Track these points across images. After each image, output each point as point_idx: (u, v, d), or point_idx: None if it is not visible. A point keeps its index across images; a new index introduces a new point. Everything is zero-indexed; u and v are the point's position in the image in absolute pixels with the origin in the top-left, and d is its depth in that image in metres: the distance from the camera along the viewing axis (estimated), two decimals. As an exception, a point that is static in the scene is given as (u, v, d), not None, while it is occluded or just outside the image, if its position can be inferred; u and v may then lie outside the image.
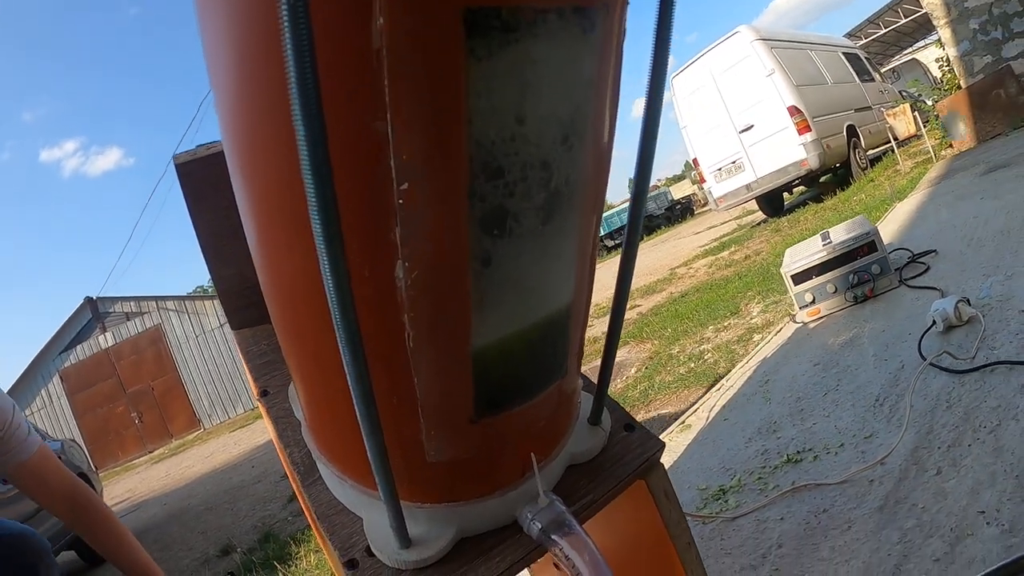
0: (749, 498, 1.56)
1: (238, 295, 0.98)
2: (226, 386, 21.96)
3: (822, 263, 2.78)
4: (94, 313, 22.37)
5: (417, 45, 0.41)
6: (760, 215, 11.42)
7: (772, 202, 10.90)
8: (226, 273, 0.94)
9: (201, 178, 0.83)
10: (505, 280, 0.54)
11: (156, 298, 22.64)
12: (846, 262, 2.75)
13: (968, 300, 2.02)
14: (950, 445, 1.37)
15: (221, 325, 21.96)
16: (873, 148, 10.85)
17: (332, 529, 0.74)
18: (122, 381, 22.25)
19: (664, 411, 2.97)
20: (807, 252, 2.91)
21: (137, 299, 22.65)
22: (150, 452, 21.31)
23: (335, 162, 0.40)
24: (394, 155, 0.44)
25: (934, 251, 2.97)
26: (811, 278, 2.81)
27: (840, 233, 2.96)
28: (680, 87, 10.36)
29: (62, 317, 25.19)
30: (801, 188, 11.53)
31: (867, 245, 2.72)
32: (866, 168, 10.02)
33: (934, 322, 1.99)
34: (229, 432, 16.49)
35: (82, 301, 22.36)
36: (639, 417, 3.10)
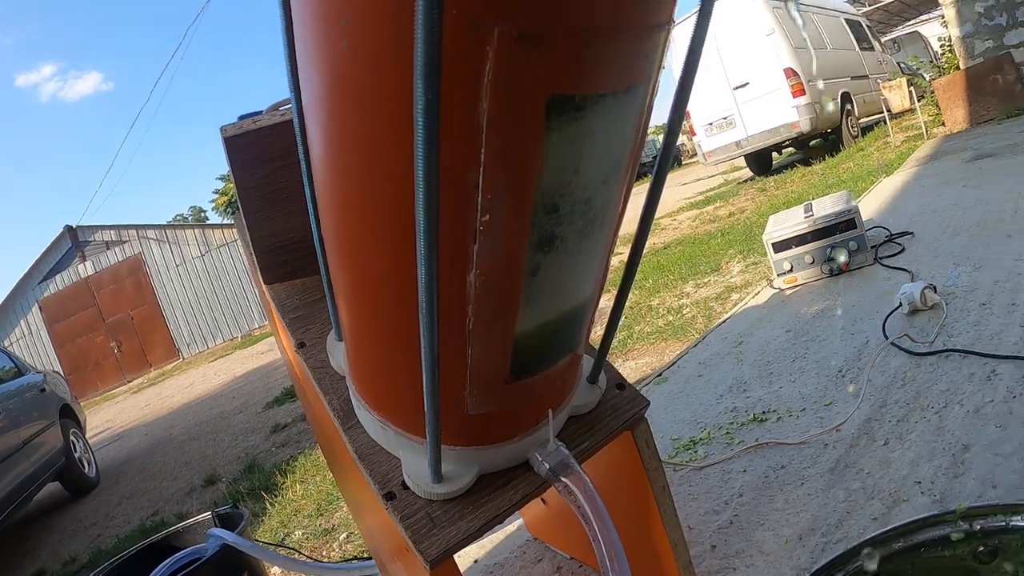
0: (716, 450, 1.71)
1: (273, 253, 1.09)
2: (206, 316, 21.84)
3: (802, 234, 2.90)
4: (74, 242, 22.00)
5: (509, 122, 0.53)
6: (747, 172, 11.49)
7: (760, 161, 10.97)
8: (264, 233, 1.05)
9: (248, 150, 0.93)
10: (546, 285, 0.68)
11: (136, 227, 22.22)
12: (826, 235, 2.87)
13: (935, 287, 2.15)
14: (899, 420, 1.52)
15: (202, 255, 21.78)
16: (866, 117, 10.92)
17: (371, 467, 0.88)
18: (101, 311, 22.02)
19: (641, 360, 3.11)
20: (789, 222, 3.02)
21: (117, 227, 22.24)
22: (129, 382, 21.24)
23: (441, 196, 0.53)
24: (481, 196, 0.57)
25: (911, 233, 3.10)
26: (791, 247, 2.93)
27: (823, 207, 3.08)
28: (679, 37, 10.30)
29: (41, 246, 24.79)
30: (791, 149, 11.59)
31: (847, 222, 2.84)
32: (857, 137, 10.08)
33: (900, 304, 2.12)
34: (208, 362, 16.53)
35: (62, 230, 21.95)
36: (617, 364, 3.25)
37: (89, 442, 6.41)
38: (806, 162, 9.66)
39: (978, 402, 1.46)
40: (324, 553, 2.41)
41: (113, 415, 12.50)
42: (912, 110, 8.63)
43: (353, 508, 1.46)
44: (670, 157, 0.75)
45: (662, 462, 1.69)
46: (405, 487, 0.85)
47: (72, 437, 5.80)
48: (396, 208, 0.58)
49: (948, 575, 0.64)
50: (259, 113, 0.92)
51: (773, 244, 2.97)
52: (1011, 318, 1.81)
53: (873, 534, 0.65)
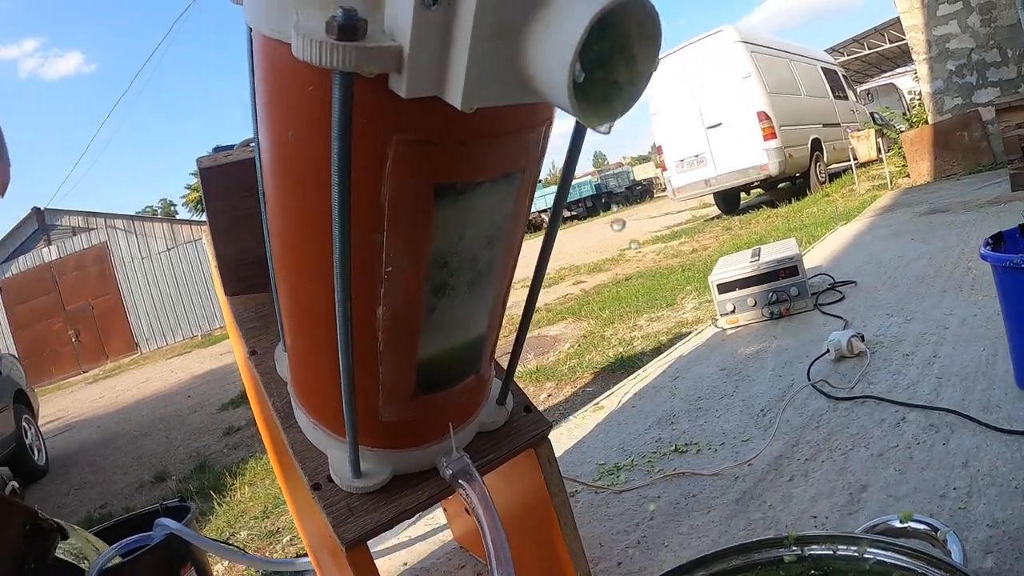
0: (637, 476, 1.84)
1: (235, 269, 1.22)
2: (167, 312, 21.54)
3: (746, 277, 3.06)
4: (40, 224, 21.60)
5: (407, 201, 0.68)
6: (715, 210, 11.77)
7: (728, 200, 11.25)
8: (227, 252, 1.19)
9: (219, 180, 1.08)
10: (442, 322, 0.85)
11: (105, 215, 21.92)
12: (768, 280, 3.03)
13: (862, 336, 2.30)
14: (807, 458, 1.65)
15: (168, 249, 21.55)
16: (836, 163, 11.26)
17: (303, 461, 1.03)
18: (62, 297, 21.63)
19: (589, 388, 3.24)
20: (736, 264, 3.19)
21: (85, 214, 21.91)
22: (84, 372, 20.85)
23: (353, 251, 0.68)
24: (385, 253, 0.72)
25: (854, 282, 3.27)
26: (735, 290, 3.09)
27: (769, 252, 3.24)
28: (656, 74, 10.53)
29: (5, 226, 24.25)
30: (759, 191, 11.90)
31: (789, 268, 3.01)
32: (824, 183, 10.39)
33: (828, 350, 2.27)
34: (166, 359, 16.31)
35: (29, 211, 21.58)
36: (566, 390, 3.40)
37: (41, 430, 6.35)
38: (772, 204, 9.95)
39: (883, 446, 1.58)
40: (267, 553, 2.48)
41: (66, 405, 12.29)
42: (879, 160, 8.93)
43: (294, 509, 1.56)
44: (558, 225, 0.92)
45: (584, 484, 1.82)
46: (330, 480, 1.00)
47: (24, 423, 5.74)
48: (321, 255, 0.72)
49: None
50: (231, 147, 1.06)
51: (718, 285, 3.13)
52: (929, 369, 1.94)
53: (713, 551, 0.77)
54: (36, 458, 5.72)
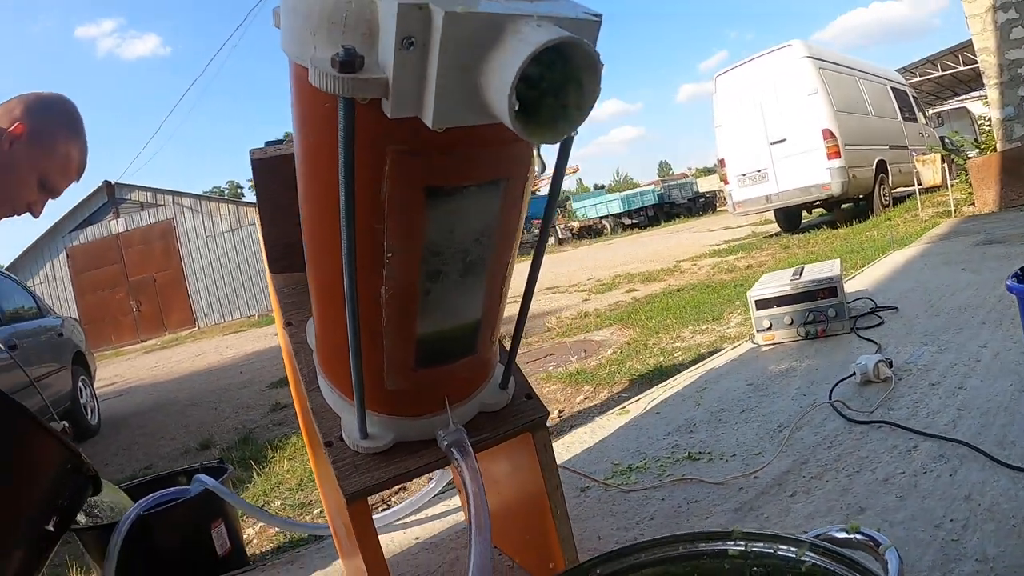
0: (646, 478, 1.90)
1: (280, 249, 1.35)
2: (227, 290, 22.14)
3: (785, 295, 3.07)
4: (110, 197, 22.53)
5: (402, 199, 0.80)
6: (775, 227, 11.58)
7: (789, 217, 11.04)
8: (274, 233, 1.33)
9: (267, 170, 1.21)
10: (437, 304, 0.97)
11: (173, 192, 22.78)
12: (807, 300, 3.04)
13: (890, 361, 2.30)
14: (813, 476, 1.68)
15: (232, 230, 22.21)
16: (901, 187, 10.96)
17: (320, 421, 1.16)
18: (126, 268, 22.58)
19: (624, 394, 3.29)
20: (777, 281, 3.20)
21: (154, 191, 22.80)
22: (143, 341, 21.64)
23: (359, 238, 0.81)
24: (386, 240, 0.83)
25: (896, 308, 3.25)
26: (772, 307, 3.10)
27: (811, 272, 3.24)
28: (722, 87, 10.41)
29: (76, 197, 25.38)
30: (820, 210, 11.66)
31: (828, 289, 3.00)
32: (888, 206, 10.11)
33: (854, 373, 2.28)
34: (222, 335, 16.75)
35: (100, 184, 22.56)
36: (602, 394, 3.45)
37: (96, 392, 6.67)
38: (833, 225, 9.74)
39: (889, 472, 1.59)
40: (296, 523, 2.61)
41: (123, 370, 12.81)
42: (943, 187, 8.65)
43: (317, 476, 1.68)
44: (546, 239, 1.05)
45: (597, 481, 1.89)
46: (341, 439, 1.13)
47: (80, 384, 6.05)
48: (335, 241, 0.83)
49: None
50: (280, 142, 1.18)
51: (756, 301, 3.14)
52: (952, 400, 1.94)
53: (664, 536, 0.83)
54: (89, 417, 6.04)
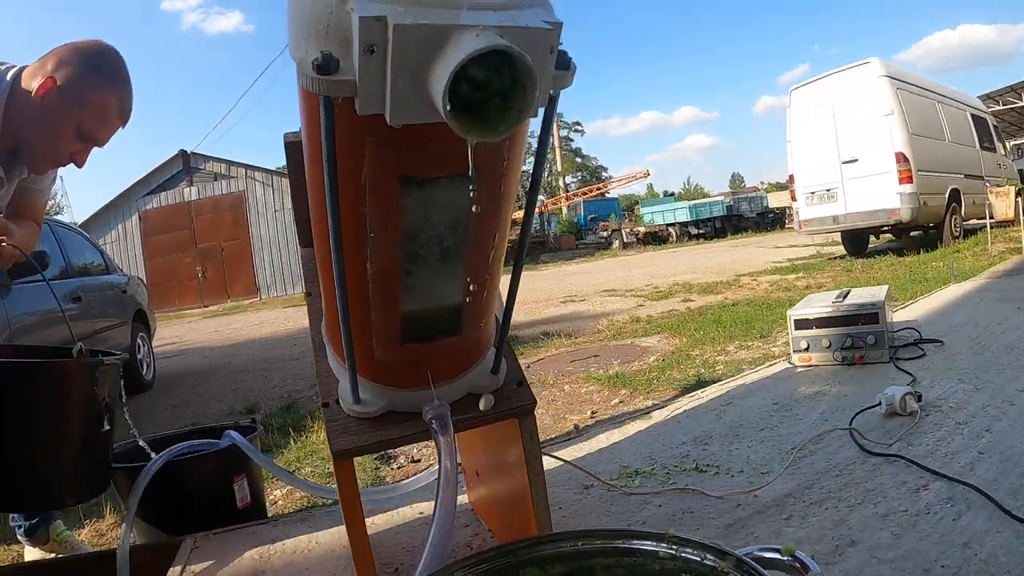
0: (650, 484, 1.92)
1: (306, 224, 1.41)
2: (291, 264, 22.69)
3: (825, 317, 3.02)
4: (185, 166, 23.45)
5: (380, 186, 0.88)
6: (841, 249, 11.30)
7: (856, 241, 10.76)
8: (300, 212, 1.39)
9: (296, 153, 1.27)
10: (417, 284, 1.05)
11: (246, 166, 23.54)
12: (847, 324, 2.98)
13: (919, 395, 2.25)
14: (812, 502, 1.66)
15: (303, 206, 22.77)
16: (974, 219, 10.53)
17: (322, 384, 1.28)
18: (196, 235, 23.47)
19: (658, 401, 3.30)
20: (819, 302, 3.15)
21: (228, 163, 23.65)
22: (205, 307, 22.44)
23: (345, 219, 0.91)
24: (368, 221, 0.92)
25: (941, 341, 3.17)
26: (811, 328, 3.05)
27: (856, 296, 3.18)
28: (797, 101, 10.18)
29: (151, 163, 26.44)
30: (889, 236, 11.29)
31: (870, 315, 2.94)
32: (959, 237, 9.74)
33: (880, 403, 2.24)
34: (283, 308, 17.19)
35: (176, 152, 23.59)
36: (639, 398, 3.47)
37: (154, 349, 6.99)
38: (900, 252, 9.44)
39: (891, 508, 1.55)
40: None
41: (183, 332, 13.31)
42: (1015, 222, 8.26)
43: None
44: (525, 247, 1.11)
45: (603, 481, 1.93)
46: (338, 403, 1.24)
47: (139, 340, 6.36)
48: (326, 221, 0.93)
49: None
50: None
51: (796, 321, 3.10)
52: (976, 443, 1.88)
53: (605, 527, 0.87)
54: (144, 373, 6.37)
